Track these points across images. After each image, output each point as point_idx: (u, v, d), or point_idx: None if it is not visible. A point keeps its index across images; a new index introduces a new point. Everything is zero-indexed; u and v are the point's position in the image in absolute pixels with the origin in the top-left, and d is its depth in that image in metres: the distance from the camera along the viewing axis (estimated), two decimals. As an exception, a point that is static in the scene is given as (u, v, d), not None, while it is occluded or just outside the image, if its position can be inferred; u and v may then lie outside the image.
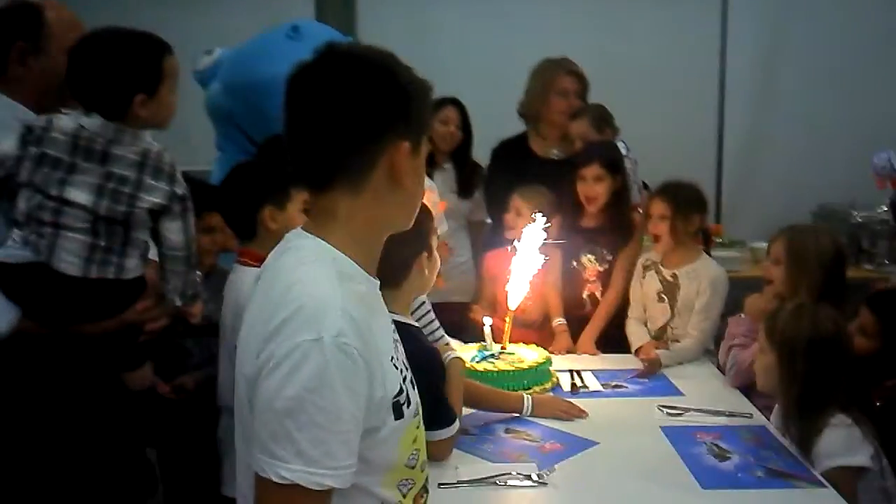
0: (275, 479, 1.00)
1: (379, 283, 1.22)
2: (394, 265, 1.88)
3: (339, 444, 1.02)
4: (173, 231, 1.87)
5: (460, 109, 3.35)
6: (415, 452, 1.18)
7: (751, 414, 2.23)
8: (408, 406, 1.14)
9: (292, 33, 2.74)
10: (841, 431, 1.93)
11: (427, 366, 1.87)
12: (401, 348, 1.22)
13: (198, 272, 1.98)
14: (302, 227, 1.16)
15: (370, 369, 1.05)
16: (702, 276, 2.71)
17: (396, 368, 1.14)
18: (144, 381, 2.00)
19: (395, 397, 1.11)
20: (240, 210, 2.13)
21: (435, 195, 2.84)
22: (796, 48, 4.54)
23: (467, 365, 2.36)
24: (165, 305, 1.95)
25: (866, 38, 4.41)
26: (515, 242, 2.56)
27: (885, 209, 1.99)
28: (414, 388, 1.21)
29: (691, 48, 4.56)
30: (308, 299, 1.04)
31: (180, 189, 1.86)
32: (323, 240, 1.12)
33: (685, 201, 2.72)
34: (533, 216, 2.54)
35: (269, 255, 1.19)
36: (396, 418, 1.11)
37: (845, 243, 4.02)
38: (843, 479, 1.84)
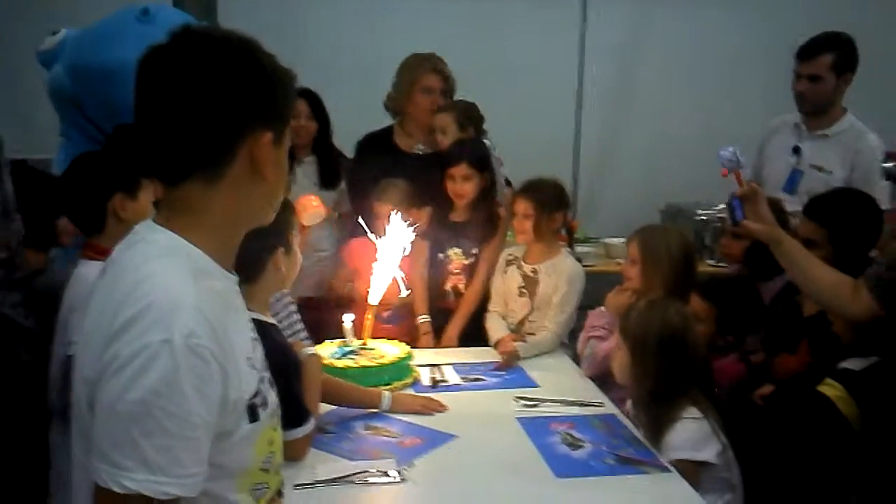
0: (116, 489, 0.94)
1: (237, 279, 1.17)
2: (248, 260, 1.80)
3: (188, 451, 0.97)
4: None
5: (310, 100, 3.26)
6: (269, 455, 1.14)
7: (602, 403, 2.32)
8: (264, 408, 1.10)
9: (142, 17, 2.60)
10: (690, 426, 2.00)
11: (282, 364, 1.81)
12: (259, 347, 1.18)
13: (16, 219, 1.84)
14: (153, 220, 1.10)
15: (224, 372, 1.00)
16: (560, 272, 2.80)
17: (254, 369, 1.10)
18: None
19: (251, 399, 1.07)
20: (86, 200, 2.00)
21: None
22: (650, 55, 4.76)
23: (327, 362, 2.34)
24: None
25: (716, 49, 4.67)
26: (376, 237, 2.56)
27: (724, 206, 2.13)
28: (272, 388, 1.17)
29: (552, 51, 4.68)
30: (158, 297, 0.97)
31: None
32: (176, 233, 1.06)
33: (548, 199, 2.80)
34: (394, 213, 2.54)
35: (115, 249, 1.11)
36: (251, 421, 1.07)
37: (698, 240, 4.30)
38: (687, 469, 1.92)
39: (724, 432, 2.04)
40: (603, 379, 2.49)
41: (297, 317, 2.13)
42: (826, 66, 3.03)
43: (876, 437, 1.98)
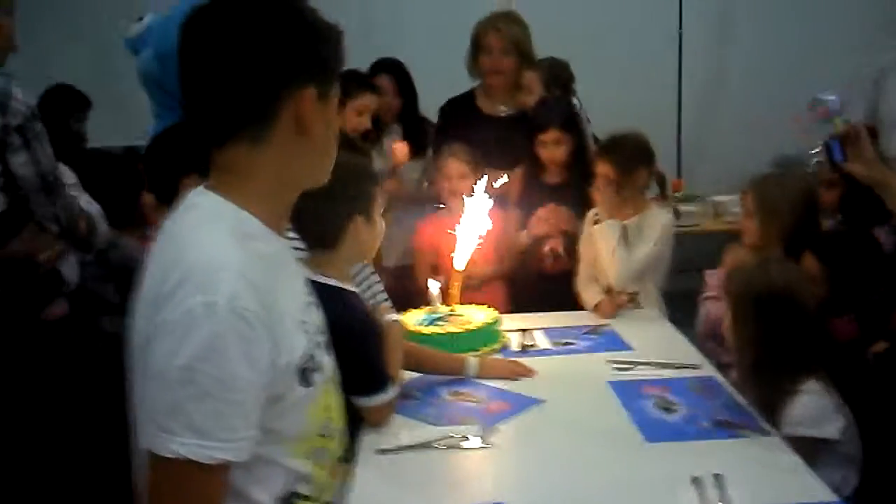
0: (164, 454, 0.94)
1: (288, 242, 1.16)
2: (325, 227, 1.82)
3: (236, 415, 0.96)
4: (20, 165, 1.81)
5: (396, 74, 3.23)
6: (327, 421, 1.13)
7: (699, 365, 2.20)
8: (318, 373, 1.09)
9: (225, 0, 2.65)
10: (812, 400, 1.85)
11: (360, 330, 1.82)
12: (315, 311, 1.17)
13: (72, 193, 1.93)
14: (203, 185, 1.10)
15: (272, 334, 0.99)
16: (650, 226, 2.67)
17: (305, 333, 1.09)
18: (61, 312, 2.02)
19: (302, 363, 1.06)
20: (160, 173, 2.05)
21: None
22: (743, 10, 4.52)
23: (414, 329, 2.33)
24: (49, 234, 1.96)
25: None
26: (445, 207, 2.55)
27: (818, 150, 1.95)
28: (328, 353, 1.16)
29: (647, 2, 4.52)
30: (201, 261, 0.97)
31: (15, 120, 1.79)
32: (224, 197, 1.06)
33: (629, 158, 2.66)
34: (471, 176, 2.50)
35: (168, 217, 1.12)
36: (304, 385, 1.06)
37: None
38: (805, 447, 1.77)
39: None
40: (716, 340, 2.36)
41: (378, 285, 2.11)
42: None
43: None
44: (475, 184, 2.44)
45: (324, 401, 1.12)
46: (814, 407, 1.84)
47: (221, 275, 0.96)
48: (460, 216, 2.46)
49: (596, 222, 2.77)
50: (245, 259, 1.00)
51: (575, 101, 3.27)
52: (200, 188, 1.09)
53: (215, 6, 1.05)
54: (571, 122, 2.90)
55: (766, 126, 4.38)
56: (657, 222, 2.68)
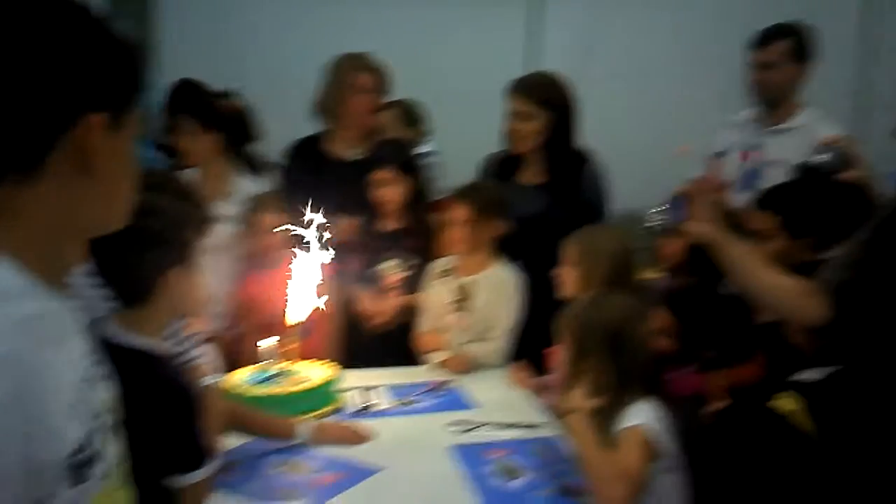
0: None
1: (67, 298, 0.95)
2: (135, 279, 1.58)
3: None
4: None
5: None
6: None
7: (545, 424, 2.12)
8: (95, 465, 0.88)
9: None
10: (650, 408, 1.79)
11: (173, 401, 1.60)
12: (100, 386, 0.95)
13: None
14: None
15: (27, 422, 0.78)
16: (497, 282, 2.61)
17: (79, 417, 0.88)
18: None
19: (73, 456, 0.85)
20: None
21: None
22: (601, 59, 4.67)
23: (242, 390, 2.12)
24: None
25: (669, 52, 4.60)
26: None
27: (664, 208, 1.92)
28: (115, 439, 0.94)
29: (498, 56, 4.57)
30: None
31: None
32: None
33: (487, 204, 2.60)
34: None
35: None
36: (76, 483, 0.85)
37: (648, 246, 4.14)
38: (646, 442, 1.71)
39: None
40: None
41: (192, 342, 1.88)
42: (779, 53, 2.90)
43: (834, 451, 1.80)
44: (291, 231, 2.27)
45: (106, 499, 0.91)
46: (651, 412, 1.77)
47: None
48: (284, 268, 2.28)
49: (439, 275, 2.67)
50: None
51: (431, 146, 3.21)
52: None
53: None
54: (407, 165, 2.80)
55: (612, 182, 4.49)
56: (504, 279, 2.62)
